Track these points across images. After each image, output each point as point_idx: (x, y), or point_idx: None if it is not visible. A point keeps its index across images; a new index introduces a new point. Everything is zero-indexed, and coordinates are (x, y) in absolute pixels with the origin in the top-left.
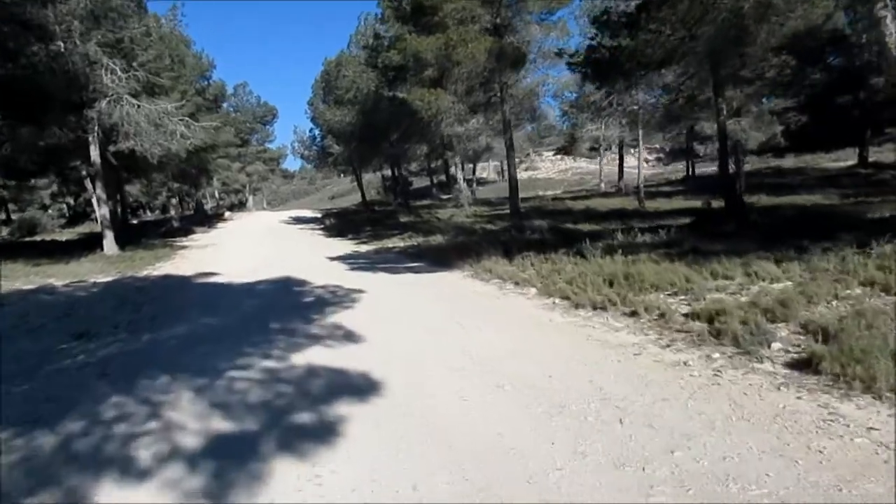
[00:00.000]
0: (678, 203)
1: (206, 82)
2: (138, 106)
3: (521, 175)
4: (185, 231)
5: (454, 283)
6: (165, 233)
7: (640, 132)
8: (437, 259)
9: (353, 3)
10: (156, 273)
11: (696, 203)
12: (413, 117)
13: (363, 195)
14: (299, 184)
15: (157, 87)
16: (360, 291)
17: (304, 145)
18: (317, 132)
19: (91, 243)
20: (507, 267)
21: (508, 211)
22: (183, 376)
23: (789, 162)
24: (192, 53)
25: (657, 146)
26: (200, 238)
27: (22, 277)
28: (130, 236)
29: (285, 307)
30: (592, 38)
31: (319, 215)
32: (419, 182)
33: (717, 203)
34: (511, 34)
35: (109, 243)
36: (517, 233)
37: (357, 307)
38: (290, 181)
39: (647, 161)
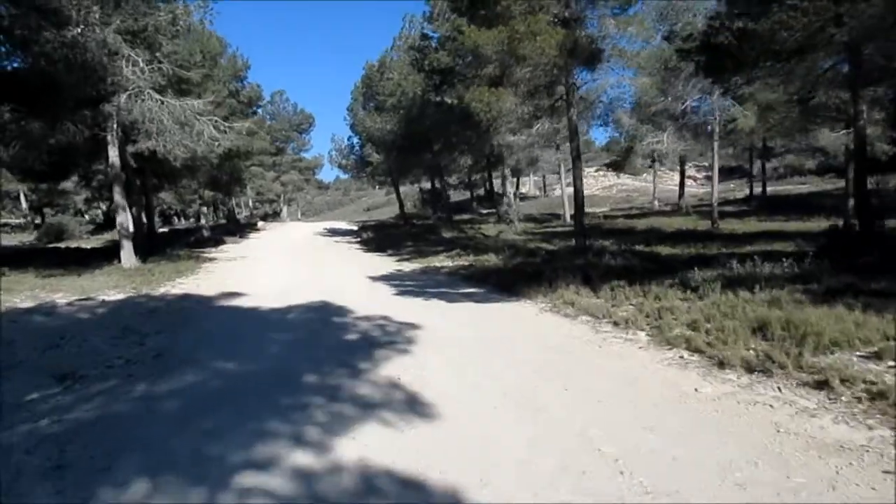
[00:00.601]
0: (754, 225)
1: (240, 84)
2: (161, 102)
3: (567, 191)
4: (216, 241)
5: (531, 320)
6: (194, 243)
7: (716, 144)
8: (500, 285)
9: (396, 6)
10: (174, 291)
11: (775, 225)
12: (463, 124)
13: (402, 207)
14: (334, 195)
15: (185, 83)
16: (415, 326)
17: (341, 154)
18: (355, 140)
19: (112, 253)
20: (592, 299)
21: (561, 229)
22: (170, 480)
23: None
24: (227, 54)
25: (706, 164)
26: (230, 249)
27: (26, 291)
28: (155, 246)
29: (323, 348)
30: (713, 19)
31: (355, 228)
32: (456, 196)
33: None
34: (582, 28)
35: (127, 255)
36: (594, 256)
37: (415, 351)
38: (325, 192)
39: (695, 179)
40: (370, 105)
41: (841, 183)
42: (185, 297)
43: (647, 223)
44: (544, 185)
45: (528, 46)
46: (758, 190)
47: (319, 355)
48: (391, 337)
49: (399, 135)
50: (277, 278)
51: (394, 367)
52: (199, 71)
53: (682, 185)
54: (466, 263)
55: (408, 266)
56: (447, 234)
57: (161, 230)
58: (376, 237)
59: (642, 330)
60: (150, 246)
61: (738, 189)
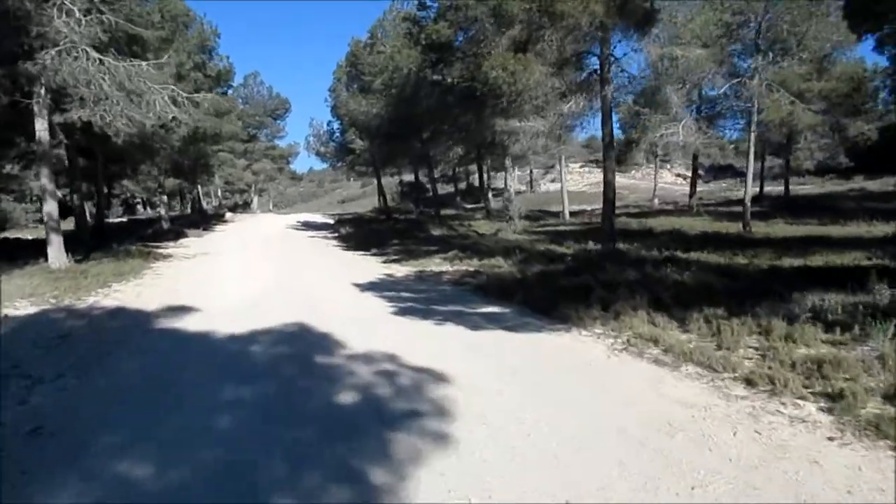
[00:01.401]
0: (786, 229)
1: (207, 56)
2: (101, 62)
3: (549, 187)
4: (176, 234)
5: (609, 369)
6: (151, 236)
7: (753, 135)
8: (531, 303)
9: None
10: (105, 302)
11: (811, 230)
12: (464, 105)
13: (384, 200)
14: (307, 186)
15: (137, 44)
16: (440, 378)
17: (320, 140)
18: (336, 126)
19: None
20: (681, 334)
21: (564, 228)
22: None
23: (874, 185)
24: (189, 12)
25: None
26: (191, 244)
27: None
28: (105, 239)
29: (305, 422)
30: None
31: (332, 221)
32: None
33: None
34: None
35: (56, 252)
36: (653, 268)
37: (458, 439)
38: (298, 183)
39: (684, 178)
40: (354, 86)
41: (847, 185)
42: (117, 313)
43: (660, 224)
44: (531, 180)
45: (568, 2)
46: (765, 190)
47: (299, 440)
48: (410, 401)
49: (386, 119)
50: (241, 286)
51: (436, 486)
52: (156, 32)
53: (693, 183)
54: (471, 269)
55: (399, 270)
56: (436, 232)
57: (119, 220)
58: (356, 233)
59: (805, 399)
60: (98, 239)
61: (733, 189)
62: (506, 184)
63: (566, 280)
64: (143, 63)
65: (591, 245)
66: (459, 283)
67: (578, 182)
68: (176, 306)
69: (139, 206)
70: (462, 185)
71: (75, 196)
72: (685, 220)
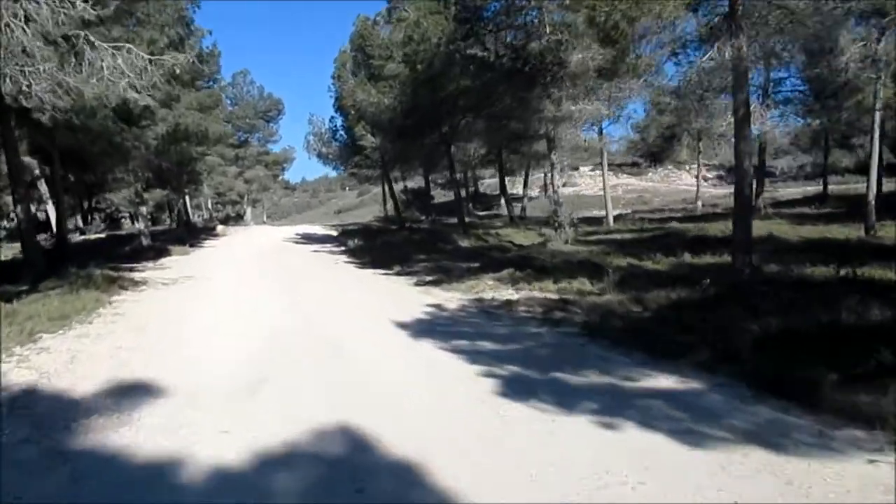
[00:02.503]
0: None
1: (186, 30)
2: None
3: (564, 191)
4: (157, 252)
5: None
6: (128, 254)
7: (878, 115)
8: (729, 365)
9: None
10: (13, 377)
11: None
12: (510, 82)
13: (396, 206)
14: (301, 196)
15: None
16: None
17: (321, 140)
18: (339, 121)
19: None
20: None
21: (618, 236)
22: None
23: None
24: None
25: (715, 163)
26: (174, 264)
27: None
28: (65, 260)
29: None
30: None
31: (334, 233)
32: (439, 196)
33: None
34: None
35: None
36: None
37: None
38: (292, 193)
39: (705, 179)
40: (361, 73)
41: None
42: (23, 405)
43: (766, 229)
44: (545, 184)
45: None
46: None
47: None
48: None
49: (401, 110)
50: (234, 335)
51: None
52: None
53: (760, 181)
54: (552, 297)
55: (444, 297)
56: (464, 243)
57: (97, 236)
58: (368, 246)
59: None
60: (56, 263)
61: (766, 189)
62: (552, 183)
63: (743, 319)
64: (78, 1)
65: (688, 257)
66: (552, 322)
67: (592, 186)
68: (126, 384)
69: (125, 221)
70: (471, 191)
71: (18, 207)
72: (763, 225)
